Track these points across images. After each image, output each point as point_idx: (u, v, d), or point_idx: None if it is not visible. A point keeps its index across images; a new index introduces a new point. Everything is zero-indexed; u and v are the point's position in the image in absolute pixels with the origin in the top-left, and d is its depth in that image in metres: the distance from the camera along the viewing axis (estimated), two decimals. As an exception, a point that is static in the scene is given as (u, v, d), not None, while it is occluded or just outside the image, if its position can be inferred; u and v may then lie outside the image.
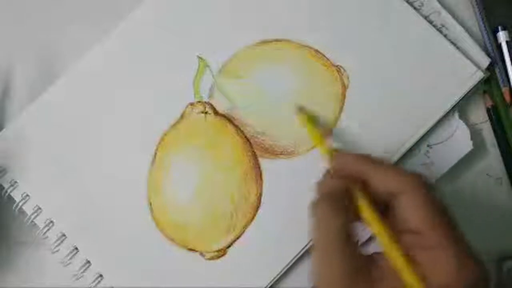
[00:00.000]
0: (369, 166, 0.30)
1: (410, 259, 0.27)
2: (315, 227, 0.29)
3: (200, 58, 0.40)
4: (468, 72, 0.39)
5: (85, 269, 0.37)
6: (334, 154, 0.32)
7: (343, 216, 0.28)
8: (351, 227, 0.28)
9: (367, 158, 0.30)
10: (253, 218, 0.38)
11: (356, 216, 0.29)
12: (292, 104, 0.39)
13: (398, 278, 0.27)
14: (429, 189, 0.28)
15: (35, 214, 0.38)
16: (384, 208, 0.29)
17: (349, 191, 0.29)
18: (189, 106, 0.39)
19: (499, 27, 0.41)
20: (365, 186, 0.30)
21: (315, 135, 0.36)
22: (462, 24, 0.41)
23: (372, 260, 0.28)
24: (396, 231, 0.28)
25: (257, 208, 0.38)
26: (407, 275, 0.27)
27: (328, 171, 0.32)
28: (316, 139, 0.35)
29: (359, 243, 0.32)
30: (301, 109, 0.38)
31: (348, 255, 0.27)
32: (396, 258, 0.27)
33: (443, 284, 0.26)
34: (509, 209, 0.40)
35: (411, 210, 0.28)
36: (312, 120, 0.38)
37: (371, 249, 0.29)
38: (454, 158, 0.39)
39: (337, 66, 0.39)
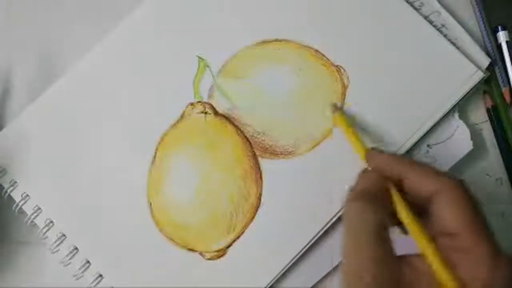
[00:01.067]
0: (406, 166, 0.30)
1: (446, 260, 0.27)
2: (349, 219, 0.28)
3: (200, 58, 0.40)
4: (468, 72, 0.39)
5: (85, 269, 0.37)
6: (370, 153, 0.32)
7: (379, 212, 0.28)
8: (387, 225, 0.28)
9: (404, 158, 0.31)
10: (253, 218, 0.38)
11: (392, 217, 0.29)
12: (293, 104, 0.39)
13: (432, 281, 0.26)
14: (466, 191, 0.28)
15: (35, 214, 0.38)
16: (420, 212, 0.29)
17: (385, 190, 0.29)
18: (189, 106, 0.39)
19: (499, 27, 0.41)
20: (401, 186, 0.29)
21: (350, 134, 0.35)
22: (462, 24, 0.41)
23: (406, 262, 0.28)
24: (432, 234, 0.28)
25: (257, 208, 0.38)
26: (445, 276, 0.26)
27: (364, 170, 0.32)
28: (351, 137, 0.35)
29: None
30: (336, 108, 0.38)
31: (380, 249, 0.27)
32: (433, 259, 0.27)
33: (480, 284, 0.26)
34: (509, 209, 0.40)
35: (449, 209, 0.27)
36: (347, 118, 0.37)
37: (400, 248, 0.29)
38: (454, 158, 0.39)
39: (337, 66, 0.39)
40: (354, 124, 0.38)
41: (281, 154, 0.38)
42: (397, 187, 0.30)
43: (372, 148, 0.32)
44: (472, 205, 0.28)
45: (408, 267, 0.27)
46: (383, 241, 0.27)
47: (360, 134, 0.36)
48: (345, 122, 0.36)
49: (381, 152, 0.32)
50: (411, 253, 0.28)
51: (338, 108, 0.38)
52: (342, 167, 0.38)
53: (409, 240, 0.29)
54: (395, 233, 0.29)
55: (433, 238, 0.28)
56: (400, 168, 0.30)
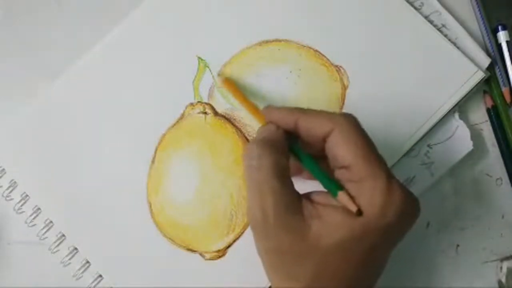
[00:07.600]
0: (300, 114, 0.31)
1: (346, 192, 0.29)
2: (248, 167, 0.30)
3: (200, 58, 0.40)
4: (468, 72, 0.39)
5: (85, 269, 0.37)
6: (266, 109, 0.33)
7: (276, 154, 0.30)
8: (285, 165, 0.30)
9: (297, 108, 0.32)
10: (253, 218, 0.37)
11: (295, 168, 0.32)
12: (293, 104, 0.39)
13: (332, 216, 0.28)
14: (357, 126, 0.30)
15: (35, 214, 0.38)
16: (321, 156, 0.31)
17: (284, 138, 0.31)
18: (189, 106, 0.39)
19: (499, 27, 0.41)
20: (298, 133, 0.31)
21: (242, 99, 0.36)
22: (462, 24, 0.41)
23: (307, 197, 0.30)
24: (330, 169, 0.31)
25: (257, 208, 0.38)
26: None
27: (262, 126, 0.33)
28: (244, 102, 0.36)
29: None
30: (224, 77, 0.39)
31: (280, 192, 0.29)
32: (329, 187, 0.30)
33: (372, 214, 0.28)
34: (509, 209, 0.40)
35: (340, 144, 0.29)
36: (236, 86, 0.38)
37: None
38: (454, 158, 0.39)
39: (337, 66, 0.39)
40: (243, 90, 0.38)
41: (281, 154, 0.38)
42: (295, 136, 0.32)
43: (265, 107, 0.34)
44: (363, 139, 0.30)
45: (309, 201, 0.30)
46: (280, 176, 0.29)
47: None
48: (236, 90, 0.37)
49: (274, 107, 0.33)
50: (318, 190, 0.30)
51: (227, 77, 0.39)
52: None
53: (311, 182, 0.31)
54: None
55: (332, 173, 0.31)
56: (295, 116, 0.31)
